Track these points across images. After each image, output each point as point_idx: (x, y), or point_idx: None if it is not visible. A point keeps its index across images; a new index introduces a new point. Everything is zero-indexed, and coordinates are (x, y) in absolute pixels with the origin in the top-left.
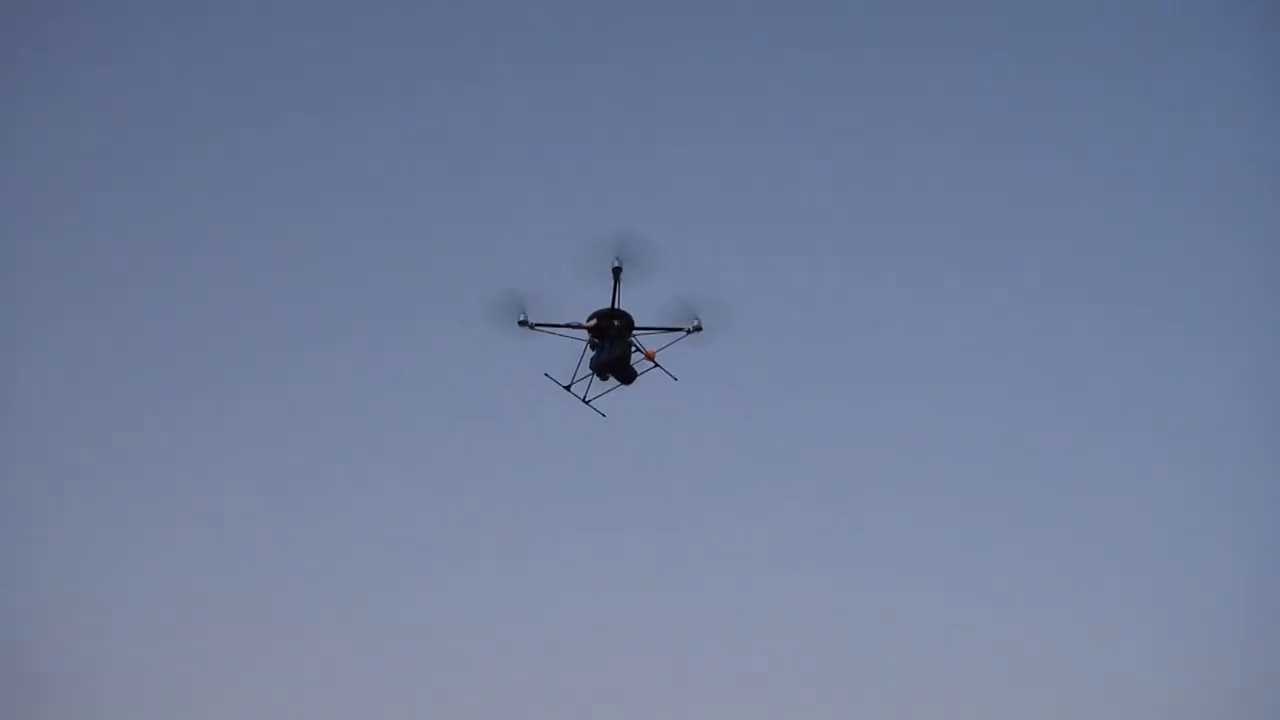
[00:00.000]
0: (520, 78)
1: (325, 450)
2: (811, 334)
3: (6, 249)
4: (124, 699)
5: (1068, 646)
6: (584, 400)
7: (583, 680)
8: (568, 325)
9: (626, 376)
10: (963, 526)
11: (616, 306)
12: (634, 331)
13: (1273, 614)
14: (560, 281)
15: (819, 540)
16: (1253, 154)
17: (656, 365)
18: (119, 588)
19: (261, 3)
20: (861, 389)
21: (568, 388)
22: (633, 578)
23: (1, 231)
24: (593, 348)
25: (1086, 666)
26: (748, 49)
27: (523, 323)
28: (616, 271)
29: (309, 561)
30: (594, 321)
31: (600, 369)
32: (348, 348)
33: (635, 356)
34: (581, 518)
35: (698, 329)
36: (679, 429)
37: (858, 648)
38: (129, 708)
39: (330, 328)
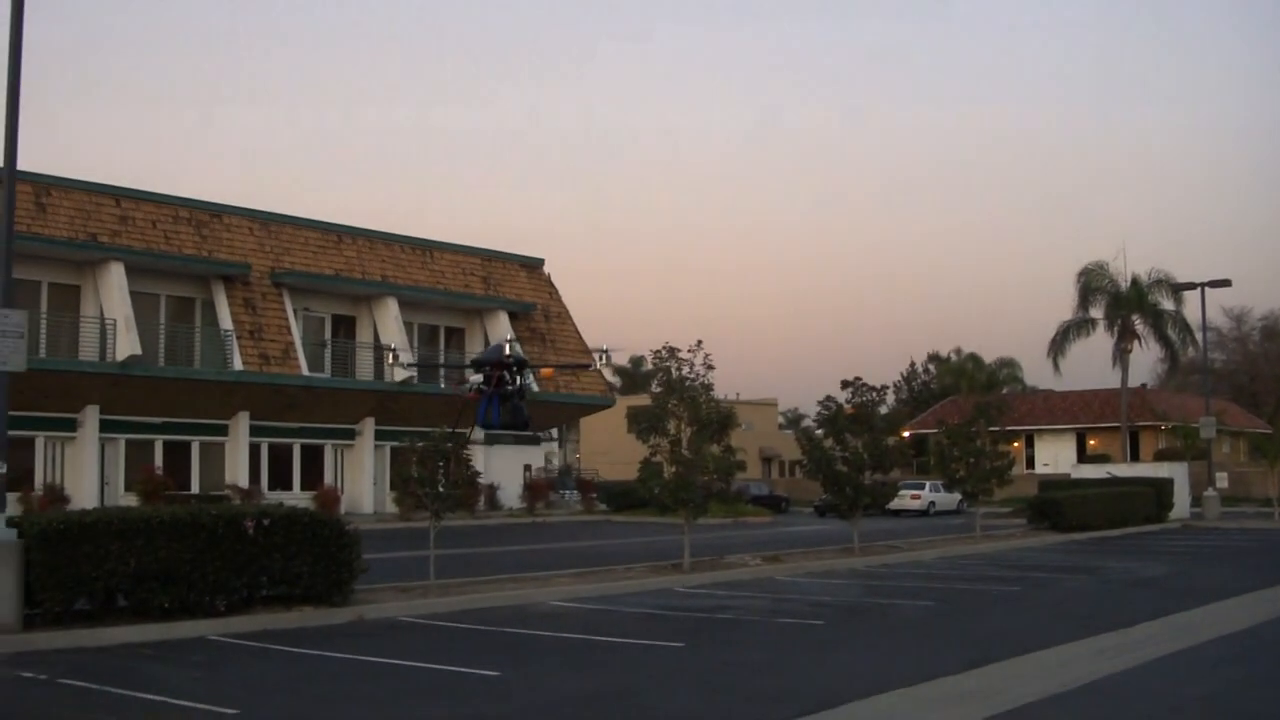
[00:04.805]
0: None
1: None
2: None
3: None
4: None
5: None
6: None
7: None
8: (450, 366)
9: (521, 426)
10: None
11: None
12: (527, 369)
13: None
14: None
15: None
16: None
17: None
18: None
19: None
20: None
21: (452, 431)
22: None
23: None
24: (479, 393)
25: None
26: None
27: (394, 363)
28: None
29: None
30: (482, 373)
31: (490, 428)
32: None
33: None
34: None
35: (607, 364)
36: None
37: None
38: None
39: None
